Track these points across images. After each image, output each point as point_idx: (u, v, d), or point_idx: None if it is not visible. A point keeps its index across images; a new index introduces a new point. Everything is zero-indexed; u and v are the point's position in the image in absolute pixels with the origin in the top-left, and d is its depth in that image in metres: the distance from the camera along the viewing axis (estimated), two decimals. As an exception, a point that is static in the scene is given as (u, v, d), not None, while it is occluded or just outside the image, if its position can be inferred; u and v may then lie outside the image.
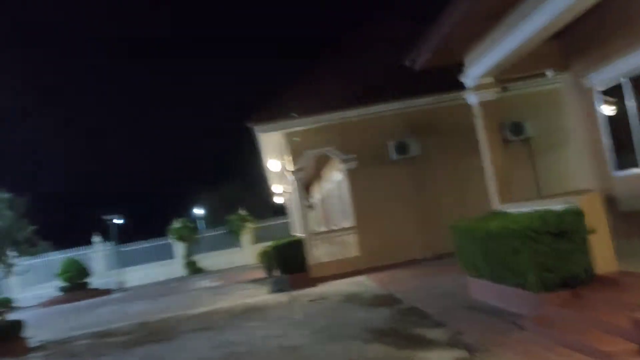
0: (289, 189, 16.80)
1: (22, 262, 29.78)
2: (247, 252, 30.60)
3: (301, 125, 13.28)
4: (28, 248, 12.17)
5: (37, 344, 11.59)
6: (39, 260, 29.65)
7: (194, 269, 29.85)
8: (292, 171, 13.61)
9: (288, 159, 13.67)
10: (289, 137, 13.58)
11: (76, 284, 25.93)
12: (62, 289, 25.86)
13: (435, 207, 13.63)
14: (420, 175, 13.75)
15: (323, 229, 19.77)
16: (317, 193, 22.80)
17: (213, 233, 31.79)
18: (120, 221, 31.51)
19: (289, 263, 13.35)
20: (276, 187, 23.09)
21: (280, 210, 33.15)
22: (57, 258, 28.92)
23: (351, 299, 9.94)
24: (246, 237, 30.92)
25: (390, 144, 13.51)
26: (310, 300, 10.60)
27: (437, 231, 13.45)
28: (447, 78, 13.75)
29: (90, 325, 13.50)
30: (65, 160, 63.43)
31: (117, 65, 73.08)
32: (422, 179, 13.74)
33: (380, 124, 13.67)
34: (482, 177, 9.10)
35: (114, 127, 69.30)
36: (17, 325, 11.40)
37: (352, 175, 13.70)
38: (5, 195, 11.52)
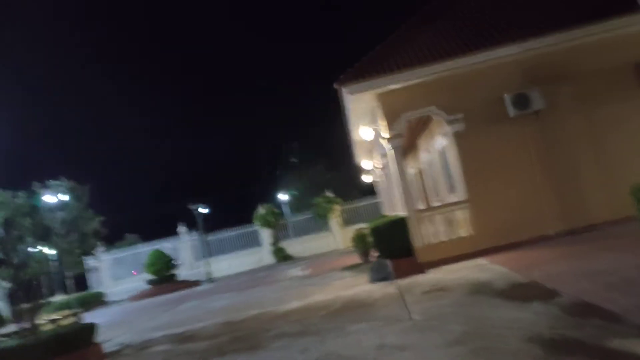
0: (382, 162, 14.70)
1: (109, 257, 29.84)
2: (336, 236, 28.90)
3: (397, 82, 11.10)
4: (95, 241, 10.77)
5: (113, 349, 10.29)
6: (127, 253, 29.51)
7: (283, 256, 28.50)
8: (388, 138, 11.48)
9: (383, 124, 11.54)
10: (383, 98, 11.45)
11: (164, 276, 25.25)
12: (150, 282, 25.25)
13: (568, 171, 11.07)
14: (545, 133, 11.20)
15: (420, 206, 17.54)
16: (411, 167, 20.48)
17: (300, 218, 30.28)
18: (206, 210, 30.73)
19: (391, 246, 11.28)
20: (365, 164, 21.02)
21: (368, 190, 31.14)
22: (145, 250, 28.50)
23: (481, 289, 7.73)
24: (334, 220, 29.15)
25: (507, 97, 11.05)
26: (426, 292, 8.49)
27: (573, 200, 10.94)
28: (581, 5, 11.13)
29: (172, 324, 12.13)
30: (150, 152, 64.67)
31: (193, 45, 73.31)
32: (549, 138, 11.19)
33: (493, 74, 11.23)
34: (628, 128, 6.56)
35: (197, 116, 69.74)
36: (90, 329, 10.11)
37: (460, 139, 11.37)
38: (68, 184, 10.22)
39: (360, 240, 16.64)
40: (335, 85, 11.13)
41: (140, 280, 26.47)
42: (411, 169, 20.33)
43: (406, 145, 16.83)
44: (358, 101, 11.88)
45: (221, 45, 72.66)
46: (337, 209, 29.27)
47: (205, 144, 64.77)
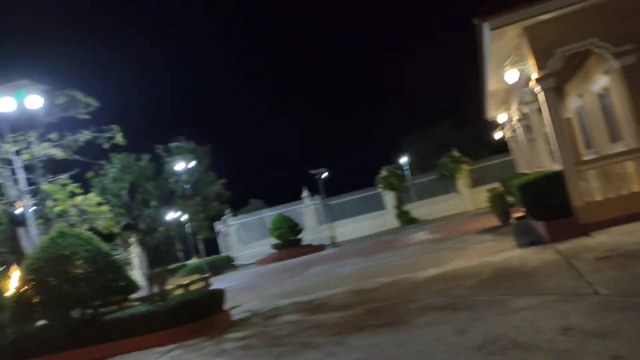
0: (524, 110, 12.89)
1: (236, 221, 30.41)
2: (464, 197, 27.08)
3: (551, 11, 9.29)
4: (218, 205, 10.28)
5: (241, 316, 9.82)
6: (252, 218, 29.85)
7: (407, 220, 27.26)
8: (538, 79, 9.75)
9: (532, 62, 9.81)
10: (533, 31, 9.70)
11: (288, 240, 25.10)
12: (275, 246, 25.24)
13: None
14: None
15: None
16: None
17: (424, 179, 28.72)
18: (327, 174, 30.19)
19: (544, 206, 9.64)
20: (500, 117, 19.03)
21: (498, 148, 28.79)
22: (270, 215, 28.61)
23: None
24: (462, 181, 27.29)
25: (695, 18, 8.87)
26: (602, 259, 6.94)
27: None
28: None
29: (300, 291, 11.50)
30: (272, 119, 65.73)
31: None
32: None
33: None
34: None
35: (312, 80, 69.58)
36: (218, 295, 9.69)
37: (631, 74, 9.33)
38: (189, 146, 9.75)
39: (498, 200, 15.02)
40: (475, 21, 9.55)
41: (266, 245, 26.63)
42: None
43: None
44: (500, 39, 10.19)
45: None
46: (465, 168, 27.31)
47: (326, 105, 64.51)
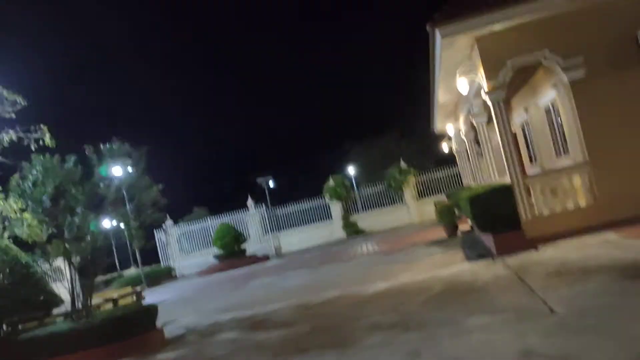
0: (475, 121, 12.80)
1: (178, 230, 29.38)
2: (411, 208, 27.12)
3: (502, 20, 9.19)
4: (153, 213, 9.62)
5: (176, 333, 9.18)
6: (195, 226, 28.93)
7: (354, 230, 27.01)
8: (488, 91, 9.63)
9: (482, 73, 9.69)
10: (484, 41, 9.59)
11: (232, 250, 24.39)
12: (218, 257, 24.46)
13: None
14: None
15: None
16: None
17: (371, 190, 28.59)
18: (274, 183, 29.67)
19: (493, 219, 9.47)
20: (448, 128, 19.05)
21: (444, 160, 29.03)
22: (213, 224, 27.79)
23: (633, 272, 5.91)
24: (408, 192, 27.32)
25: (642, 34, 8.96)
26: (552, 275, 6.74)
27: None
28: None
29: (242, 304, 10.93)
30: (218, 125, 64.57)
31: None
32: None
33: (621, 6, 9.12)
34: None
35: (262, 86, 68.78)
36: (151, 311, 9.02)
37: (579, 89, 9.33)
38: (123, 147, 9.06)
39: (445, 212, 14.92)
40: (427, 27, 9.34)
41: (209, 254, 25.80)
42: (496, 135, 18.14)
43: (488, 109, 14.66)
44: (452, 47, 10.04)
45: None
46: (412, 180, 27.39)
47: (273, 115, 63.75)
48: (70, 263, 8.58)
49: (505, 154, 9.60)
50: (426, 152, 33.34)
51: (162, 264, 28.28)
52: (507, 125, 9.65)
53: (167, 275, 26.21)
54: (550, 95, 11.20)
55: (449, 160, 27.56)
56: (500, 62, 9.54)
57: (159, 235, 28.56)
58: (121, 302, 11.24)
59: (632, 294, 5.14)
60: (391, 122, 36.92)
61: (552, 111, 11.67)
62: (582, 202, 9.44)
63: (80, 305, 8.83)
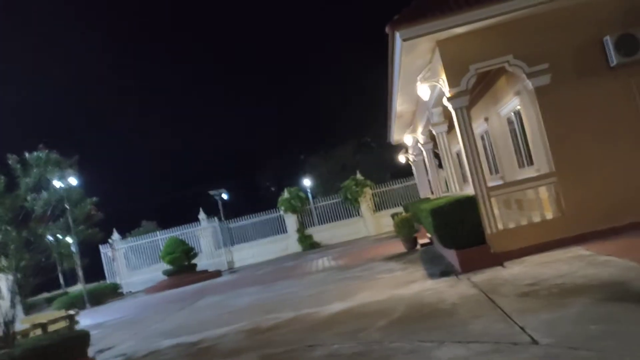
0: (435, 131, 12.33)
1: (125, 245, 27.98)
2: (367, 221, 26.59)
3: (465, 24, 8.68)
4: (86, 230, 8.63)
5: (110, 364, 8.20)
6: (143, 241, 27.62)
7: (310, 244, 26.29)
8: (450, 97, 9.10)
9: (444, 78, 9.16)
10: (447, 45, 9.07)
11: (182, 266, 23.23)
12: (167, 272, 23.26)
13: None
14: (657, 86, 8.73)
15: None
16: (457, 142, 17.94)
17: (327, 202, 27.94)
18: (227, 196, 28.66)
19: (456, 233, 8.90)
20: (406, 138, 18.61)
21: (400, 173, 28.73)
22: (163, 238, 26.56)
23: (618, 293, 5.38)
24: (365, 204, 26.79)
25: (608, 40, 8.59)
26: (525, 295, 6.17)
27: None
28: None
29: (186, 328, 10.00)
30: (170, 136, 62.89)
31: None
32: (661, 92, 8.72)
33: (589, 11, 8.77)
34: None
35: (216, 95, 67.39)
36: (83, 338, 8.02)
37: (544, 96, 8.92)
38: (50, 156, 8.08)
39: (404, 225, 14.35)
40: (387, 29, 8.75)
41: (158, 270, 24.53)
42: (457, 145, 17.76)
43: (448, 114, 14.19)
44: (412, 52, 9.50)
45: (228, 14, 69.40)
46: (368, 192, 26.89)
47: (224, 126, 62.40)
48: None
49: (468, 163, 9.07)
50: (383, 164, 33.02)
51: (108, 280, 26.84)
52: (470, 133, 9.13)
53: (113, 292, 24.78)
54: (513, 103, 10.80)
55: (406, 172, 27.27)
56: (463, 67, 9.05)
57: (104, 251, 27.13)
58: (52, 327, 10.14)
59: (623, 319, 4.57)
60: (347, 134, 36.46)
61: (515, 120, 11.28)
62: (549, 215, 8.99)
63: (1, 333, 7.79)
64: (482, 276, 7.93)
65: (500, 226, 8.91)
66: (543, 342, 4.41)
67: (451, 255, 9.52)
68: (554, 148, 8.91)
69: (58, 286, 32.23)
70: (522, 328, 4.89)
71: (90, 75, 61.80)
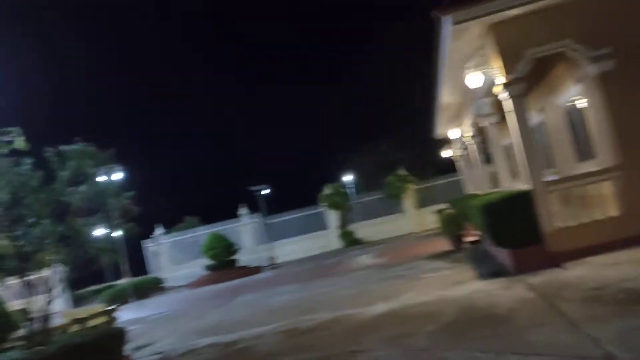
0: (486, 121, 11.63)
1: (168, 240, 28.10)
2: (410, 218, 25.89)
3: (520, 5, 8.03)
4: (123, 224, 8.38)
5: (145, 362, 7.95)
6: (186, 236, 27.68)
7: (351, 240, 25.77)
8: (505, 84, 8.45)
9: (497, 65, 8.52)
10: (499, 30, 8.43)
11: (223, 261, 23.11)
12: (208, 267, 23.19)
13: None
14: None
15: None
16: (506, 136, 17.02)
17: (369, 198, 27.34)
18: (268, 191, 28.45)
19: (509, 230, 8.28)
20: (451, 132, 17.88)
21: (445, 168, 27.86)
22: (205, 233, 26.53)
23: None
24: (408, 201, 26.09)
25: (682, 20, 7.81)
26: (589, 299, 5.55)
27: None
28: None
29: (223, 326, 9.69)
30: (211, 133, 63.39)
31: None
32: None
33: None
34: None
35: (258, 92, 67.55)
36: (118, 336, 7.78)
37: (608, 83, 8.17)
38: (87, 149, 7.85)
39: (450, 222, 13.72)
40: (434, 14, 8.18)
41: (200, 265, 24.52)
42: (506, 139, 16.84)
43: (499, 105, 13.33)
44: (462, 38, 8.87)
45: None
46: (411, 188, 26.16)
47: (267, 122, 62.52)
48: (24, 280, 7.38)
49: (525, 155, 8.40)
50: (426, 160, 32.11)
51: (152, 274, 27.03)
52: (526, 123, 8.46)
53: (156, 286, 24.93)
54: (573, 91, 10.02)
55: (451, 167, 26.42)
56: (518, 53, 8.39)
57: (147, 245, 27.34)
58: (92, 322, 10.01)
59: None
60: (390, 129, 35.61)
61: (574, 110, 10.50)
62: (613, 212, 8.24)
63: (36, 329, 7.62)
64: (539, 278, 7.30)
65: (558, 224, 8.22)
66: (623, 358, 3.81)
67: (503, 255, 8.88)
68: (619, 140, 8.16)
69: (105, 279, 32.81)
70: (594, 340, 4.30)
71: (136, 68, 62.79)
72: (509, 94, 8.45)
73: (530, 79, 10.70)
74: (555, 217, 8.27)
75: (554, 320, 5.15)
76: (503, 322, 5.56)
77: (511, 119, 8.54)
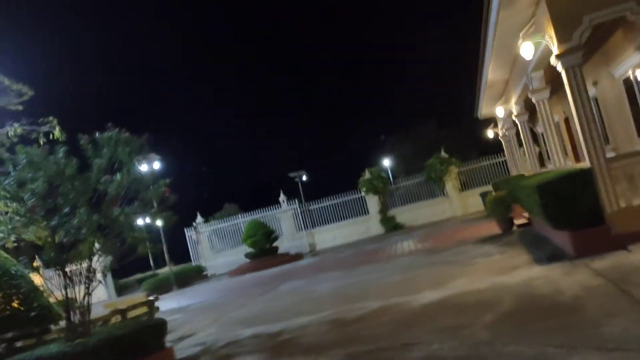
0: (536, 97, 10.94)
1: (208, 228, 28.19)
2: (453, 201, 25.20)
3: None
4: (159, 212, 8.15)
5: (188, 353, 7.75)
6: (226, 224, 27.69)
7: (393, 225, 25.28)
8: (559, 54, 7.82)
9: (553, 34, 7.88)
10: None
11: (263, 248, 22.98)
12: (248, 255, 23.11)
13: None
14: None
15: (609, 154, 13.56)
16: (556, 113, 16.21)
17: (410, 182, 26.74)
18: (307, 177, 28.18)
19: (568, 211, 7.70)
20: (497, 110, 17.09)
21: (489, 149, 27.00)
22: (244, 221, 26.49)
23: None
24: (450, 183, 25.37)
25: None
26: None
27: None
28: None
29: (267, 316, 9.44)
30: (249, 122, 63.55)
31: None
32: None
33: None
34: None
35: (296, 80, 67.29)
36: (159, 327, 7.60)
37: (675, 49, 7.48)
38: (122, 135, 7.62)
39: (499, 205, 13.09)
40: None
41: (240, 253, 24.49)
42: (556, 116, 16.01)
43: (550, 79, 12.55)
44: (513, 6, 8.27)
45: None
46: (454, 170, 25.40)
47: (306, 107, 62.21)
48: (61, 271, 7.24)
49: (583, 130, 7.79)
50: (468, 141, 31.25)
51: (193, 263, 27.21)
52: (584, 95, 7.83)
53: (198, 274, 25.09)
54: (633, 60, 9.28)
55: (494, 148, 25.57)
56: (575, 19, 7.73)
57: (189, 234, 27.49)
58: (132, 313, 9.91)
59: None
60: (430, 109, 34.80)
61: (635, 81, 9.74)
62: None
63: (76, 321, 7.50)
64: (604, 262, 6.73)
65: (622, 204, 7.60)
66: None
67: (560, 237, 8.32)
68: (689, 110, 7.47)
69: (149, 268, 33.29)
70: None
71: (176, 56, 63.29)
72: (565, 65, 7.81)
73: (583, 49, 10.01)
74: (619, 196, 7.64)
75: (630, 309, 4.63)
76: (570, 311, 5.06)
77: (568, 91, 7.91)
